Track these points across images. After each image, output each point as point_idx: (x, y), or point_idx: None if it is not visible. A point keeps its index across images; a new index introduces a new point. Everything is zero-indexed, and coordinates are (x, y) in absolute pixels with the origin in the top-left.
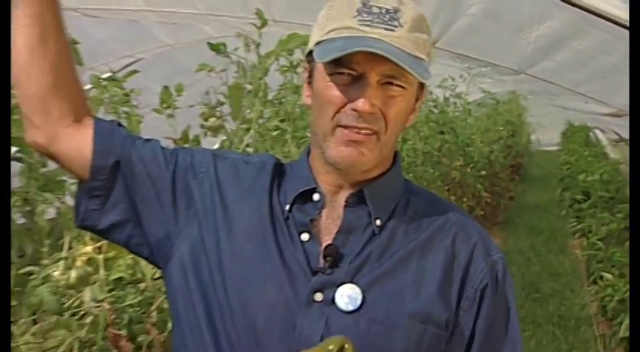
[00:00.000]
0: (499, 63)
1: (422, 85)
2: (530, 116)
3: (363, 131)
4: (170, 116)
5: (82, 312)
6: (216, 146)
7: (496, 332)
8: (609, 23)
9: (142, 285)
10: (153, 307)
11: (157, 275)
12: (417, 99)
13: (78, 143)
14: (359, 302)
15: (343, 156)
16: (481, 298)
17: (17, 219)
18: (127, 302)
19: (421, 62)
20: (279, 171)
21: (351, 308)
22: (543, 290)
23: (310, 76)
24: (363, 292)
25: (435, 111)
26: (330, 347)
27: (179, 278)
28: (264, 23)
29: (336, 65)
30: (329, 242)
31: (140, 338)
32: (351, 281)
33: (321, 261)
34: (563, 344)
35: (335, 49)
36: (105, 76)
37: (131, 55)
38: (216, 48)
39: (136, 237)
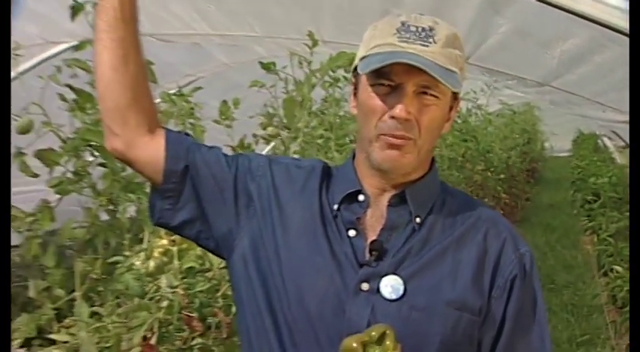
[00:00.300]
0: (525, 76)
1: (456, 96)
2: (544, 125)
3: (404, 136)
4: (228, 126)
5: (160, 297)
6: (264, 152)
7: (525, 317)
8: (627, 38)
9: (209, 274)
10: (219, 293)
11: (222, 265)
12: (451, 109)
13: (152, 150)
14: (401, 291)
15: (385, 159)
16: (511, 287)
17: (102, 215)
18: (198, 289)
19: (453, 74)
20: (327, 174)
21: (394, 296)
22: (558, 282)
23: (356, 89)
24: (405, 282)
25: (459, 121)
26: (373, 333)
27: (241, 269)
28: (315, 43)
29: (377, 76)
30: (374, 238)
31: (209, 320)
32: (394, 273)
33: (367, 254)
34: (577, 330)
35: (375, 62)
36: (172, 92)
37: (193, 74)
38: (267, 66)
39: (203, 232)
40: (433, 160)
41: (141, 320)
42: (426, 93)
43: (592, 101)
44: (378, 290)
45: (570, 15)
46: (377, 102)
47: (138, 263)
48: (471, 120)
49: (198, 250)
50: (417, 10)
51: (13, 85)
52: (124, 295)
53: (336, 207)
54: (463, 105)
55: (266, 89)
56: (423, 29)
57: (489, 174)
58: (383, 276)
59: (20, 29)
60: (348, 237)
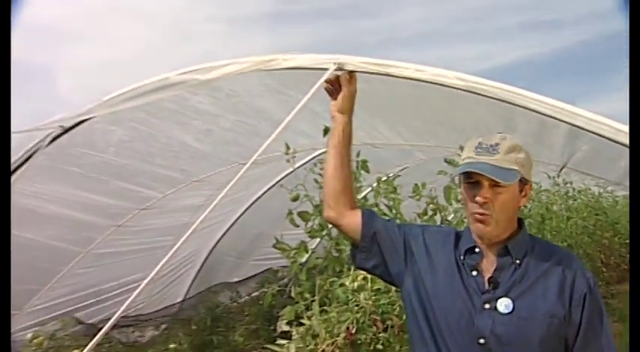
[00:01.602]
0: (606, 178)
1: (526, 181)
2: None
3: (483, 214)
4: (418, 200)
5: (358, 305)
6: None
7: (595, 320)
8: None
9: (389, 293)
10: (395, 306)
11: (398, 289)
12: (522, 190)
13: (353, 220)
14: (511, 307)
15: (476, 228)
16: (583, 300)
17: (333, 252)
18: (382, 302)
19: (511, 171)
20: (457, 236)
21: (507, 311)
22: None
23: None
24: (513, 302)
25: (592, 200)
26: None
27: (407, 297)
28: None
29: (466, 177)
30: (489, 275)
31: (387, 322)
32: (506, 296)
33: (487, 285)
34: None
35: (460, 170)
36: (384, 178)
37: (402, 165)
38: (450, 161)
39: (385, 272)
40: (522, 222)
41: (347, 317)
42: (496, 185)
43: None
44: (495, 308)
45: None
46: (468, 193)
47: (347, 283)
48: (602, 200)
49: None
50: (527, 133)
51: (292, 176)
52: (337, 301)
53: (462, 257)
54: (595, 190)
55: (446, 175)
56: (491, 145)
57: (616, 239)
58: (498, 299)
59: (296, 141)
60: (472, 275)
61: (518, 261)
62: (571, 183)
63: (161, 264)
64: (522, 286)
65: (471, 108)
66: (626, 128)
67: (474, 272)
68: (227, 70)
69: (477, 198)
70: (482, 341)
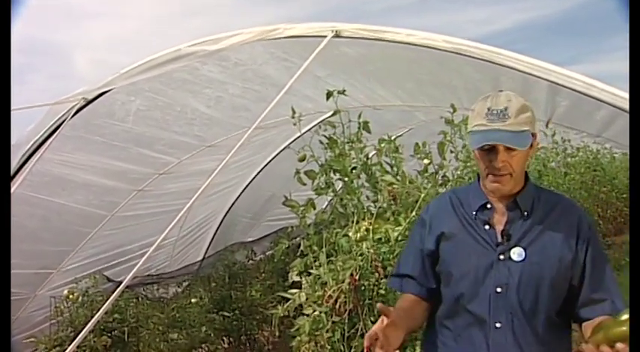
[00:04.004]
0: (585, 130)
1: (533, 134)
2: None
3: (501, 175)
4: (419, 159)
5: (361, 253)
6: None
7: (599, 259)
8: None
9: (389, 243)
10: (394, 254)
11: (400, 239)
12: (531, 145)
13: (412, 302)
14: (524, 255)
15: (493, 188)
16: (587, 243)
17: (339, 208)
18: (382, 250)
19: (523, 132)
20: (453, 199)
21: (519, 259)
22: None
23: None
24: (525, 250)
25: (591, 157)
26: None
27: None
28: (455, 110)
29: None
30: (502, 228)
31: (388, 269)
32: (518, 245)
33: (500, 238)
34: None
35: (476, 141)
36: (385, 138)
37: (405, 127)
38: (449, 121)
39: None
40: (527, 175)
41: (350, 264)
42: (510, 148)
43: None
44: (510, 257)
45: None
46: (483, 158)
47: (350, 234)
48: (599, 157)
49: (383, 230)
50: (511, 90)
51: (300, 139)
52: (342, 251)
53: (474, 213)
54: (594, 147)
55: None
56: (501, 110)
57: (614, 194)
58: (511, 248)
59: (301, 105)
60: (485, 229)
61: (526, 213)
62: (569, 141)
63: (169, 228)
64: (532, 234)
65: (460, 69)
66: (597, 83)
67: (487, 227)
68: (233, 41)
69: (495, 164)
70: (499, 289)
